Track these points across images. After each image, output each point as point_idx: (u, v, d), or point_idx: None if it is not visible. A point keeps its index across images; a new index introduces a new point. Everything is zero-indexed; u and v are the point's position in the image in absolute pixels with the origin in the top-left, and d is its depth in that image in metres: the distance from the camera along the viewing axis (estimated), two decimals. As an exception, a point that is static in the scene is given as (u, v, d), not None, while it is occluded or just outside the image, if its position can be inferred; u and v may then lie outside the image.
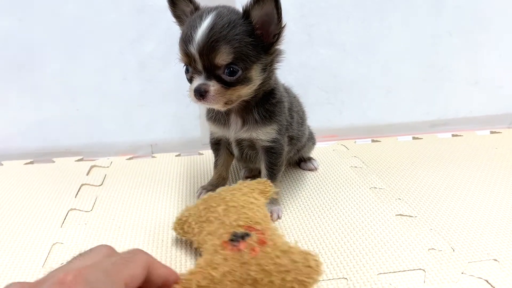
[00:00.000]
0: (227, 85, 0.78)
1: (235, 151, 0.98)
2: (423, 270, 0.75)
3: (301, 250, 0.63)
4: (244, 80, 0.79)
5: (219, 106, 0.81)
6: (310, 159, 1.21)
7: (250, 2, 0.76)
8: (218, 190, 0.82)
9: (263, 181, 0.84)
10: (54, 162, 1.27)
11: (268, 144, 0.91)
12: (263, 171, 0.95)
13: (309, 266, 0.60)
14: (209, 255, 0.64)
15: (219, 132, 0.95)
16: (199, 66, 0.78)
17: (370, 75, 1.44)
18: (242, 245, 0.63)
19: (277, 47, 0.83)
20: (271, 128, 0.90)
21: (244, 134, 0.91)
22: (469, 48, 1.46)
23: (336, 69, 1.41)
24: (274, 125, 0.90)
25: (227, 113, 0.90)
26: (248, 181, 0.84)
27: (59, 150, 1.32)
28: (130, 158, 1.30)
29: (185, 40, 0.78)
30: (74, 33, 1.26)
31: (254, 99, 0.87)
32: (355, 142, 1.42)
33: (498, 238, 0.84)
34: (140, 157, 1.33)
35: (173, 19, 0.89)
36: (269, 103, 0.89)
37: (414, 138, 1.46)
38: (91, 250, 0.51)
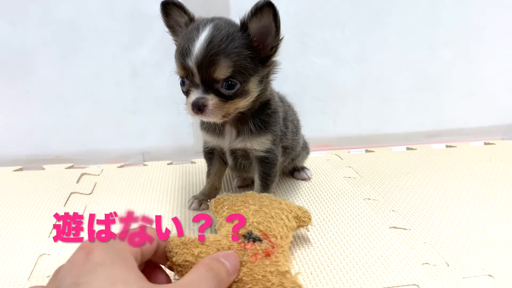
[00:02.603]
0: (225, 98, 0.77)
1: (229, 160, 0.97)
2: (417, 285, 0.73)
3: (296, 281, 0.64)
4: (242, 93, 0.78)
5: (217, 120, 0.80)
6: (303, 168, 1.20)
7: (248, 14, 0.75)
8: (263, 194, 0.85)
9: (304, 210, 0.84)
10: (44, 169, 1.25)
11: (262, 154, 0.90)
12: (257, 181, 0.94)
13: None
14: (220, 236, 0.68)
15: (213, 142, 0.94)
16: (197, 79, 0.76)
17: (365, 85, 1.43)
18: (249, 245, 0.66)
19: (274, 59, 0.82)
20: (266, 139, 0.89)
21: (239, 144, 0.90)
22: (464, 60, 1.46)
23: (330, 78, 1.40)
24: (268, 135, 0.89)
25: (222, 124, 0.89)
26: (291, 202, 0.84)
27: (50, 157, 1.30)
28: (121, 166, 1.29)
29: (182, 53, 0.76)
30: (67, 39, 1.24)
31: (251, 110, 0.86)
32: (349, 152, 1.42)
33: (493, 252, 0.83)
34: (132, 165, 1.31)
35: (166, 29, 0.88)
36: (264, 114, 0.88)
37: (408, 148, 1.45)
38: None
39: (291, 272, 0.65)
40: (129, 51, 1.28)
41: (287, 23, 1.31)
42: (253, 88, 0.80)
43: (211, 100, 0.76)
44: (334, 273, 0.77)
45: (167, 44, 1.27)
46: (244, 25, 0.76)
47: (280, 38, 0.79)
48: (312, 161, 1.27)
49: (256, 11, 0.74)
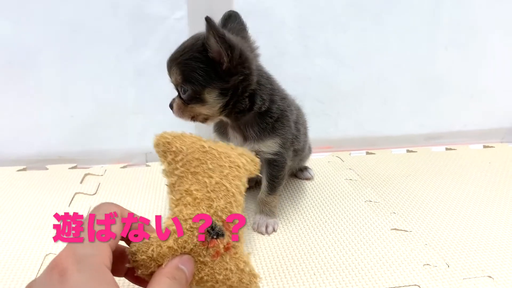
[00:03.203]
0: (185, 102, 0.84)
1: None
2: (418, 286, 0.75)
3: (250, 270, 0.65)
4: (198, 100, 0.83)
5: (185, 119, 0.89)
6: (306, 168, 1.22)
7: (206, 32, 0.75)
8: (219, 147, 0.71)
9: (256, 161, 0.75)
10: (47, 169, 1.26)
11: (271, 156, 0.91)
12: (264, 183, 0.95)
13: None
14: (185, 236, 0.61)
15: None
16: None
17: (366, 87, 1.45)
18: (212, 244, 0.62)
19: (238, 77, 0.80)
20: (273, 142, 0.90)
21: (247, 147, 0.91)
22: (464, 62, 1.47)
23: (332, 80, 1.41)
24: (276, 138, 0.90)
25: (225, 128, 0.93)
26: (247, 155, 0.74)
27: (53, 157, 1.31)
28: (124, 167, 1.30)
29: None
30: (70, 38, 1.25)
31: (241, 118, 0.87)
32: (350, 154, 1.43)
33: (492, 254, 0.84)
34: (135, 165, 1.32)
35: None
36: (265, 122, 0.88)
37: (408, 151, 1.46)
38: None
39: (248, 261, 0.66)
40: (132, 51, 1.28)
41: (290, 25, 1.34)
42: (211, 98, 0.82)
43: (175, 102, 0.88)
44: (337, 273, 0.78)
45: (171, 45, 1.28)
46: (204, 40, 0.78)
47: (229, 58, 0.77)
48: (313, 163, 1.28)
49: (209, 29, 0.74)
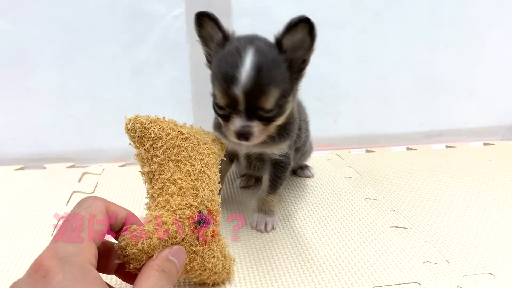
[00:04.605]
0: (268, 121, 0.76)
1: (244, 162, 0.97)
2: (419, 283, 0.74)
3: (229, 255, 0.71)
4: (281, 113, 0.78)
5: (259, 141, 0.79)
6: (306, 166, 1.22)
7: (282, 31, 0.73)
8: (196, 133, 0.70)
9: (225, 146, 0.76)
10: (45, 168, 1.25)
11: (279, 158, 0.90)
12: (266, 182, 0.94)
13: (228, 273, 0.72)
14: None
15: (230, 145, 0.89)
16: (241, 107, 0.73)
17: (366, 86, 1.44)
18: (201, 231, 0.63)
19: (302, 74, 0.80)
20: (285, 144, 0.89)
21: (257, 150, 0.89)
22: (464, 60, 1.47)
23: (332, 79, 1.41)
24: (287, 141, 0.89)
25: None
26: (217, 138, 0.76)
27: (51, 156, 1.30)
28: (122, 165, 1.29)
29: (227, 81, 0.71)
30: (67, 37, 1.25)
31: None
32: (349, 152, 1.42)
33: (493, 251, 0.84)
34: (133, 164, 1.31)
35: (198, 39, 0.81)
36: (286, 122, 0.86)
37: (408, 148, 1.46)
38: None
39: (225, 246, 0.71)
40: (129, 50, 1.28)
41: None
42: (289, 105, 0.80)
43: (256, 127, 0.75)
44: (336, 271, 0.77)
45: (168, 43, 1.28)
46: (280, 44, 0.74)
47: (313, 49, 0.77)
48: (313, 161, 1.28)
49: (290, 27, 0.72)
